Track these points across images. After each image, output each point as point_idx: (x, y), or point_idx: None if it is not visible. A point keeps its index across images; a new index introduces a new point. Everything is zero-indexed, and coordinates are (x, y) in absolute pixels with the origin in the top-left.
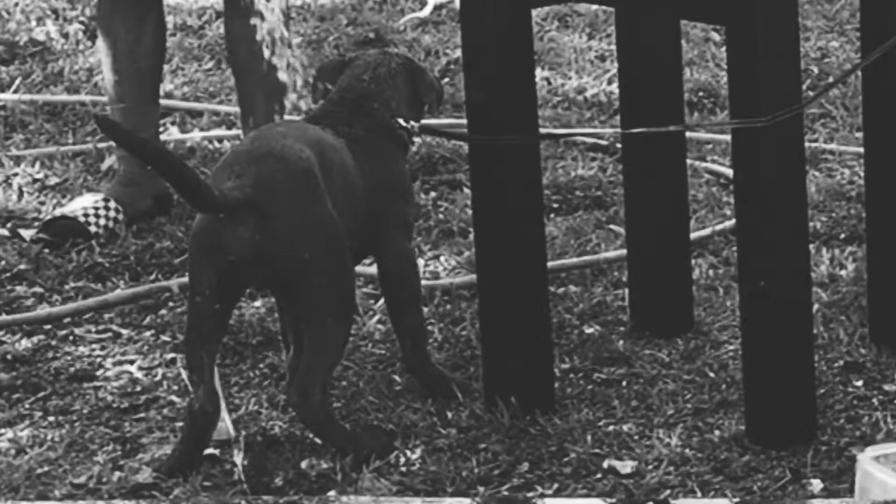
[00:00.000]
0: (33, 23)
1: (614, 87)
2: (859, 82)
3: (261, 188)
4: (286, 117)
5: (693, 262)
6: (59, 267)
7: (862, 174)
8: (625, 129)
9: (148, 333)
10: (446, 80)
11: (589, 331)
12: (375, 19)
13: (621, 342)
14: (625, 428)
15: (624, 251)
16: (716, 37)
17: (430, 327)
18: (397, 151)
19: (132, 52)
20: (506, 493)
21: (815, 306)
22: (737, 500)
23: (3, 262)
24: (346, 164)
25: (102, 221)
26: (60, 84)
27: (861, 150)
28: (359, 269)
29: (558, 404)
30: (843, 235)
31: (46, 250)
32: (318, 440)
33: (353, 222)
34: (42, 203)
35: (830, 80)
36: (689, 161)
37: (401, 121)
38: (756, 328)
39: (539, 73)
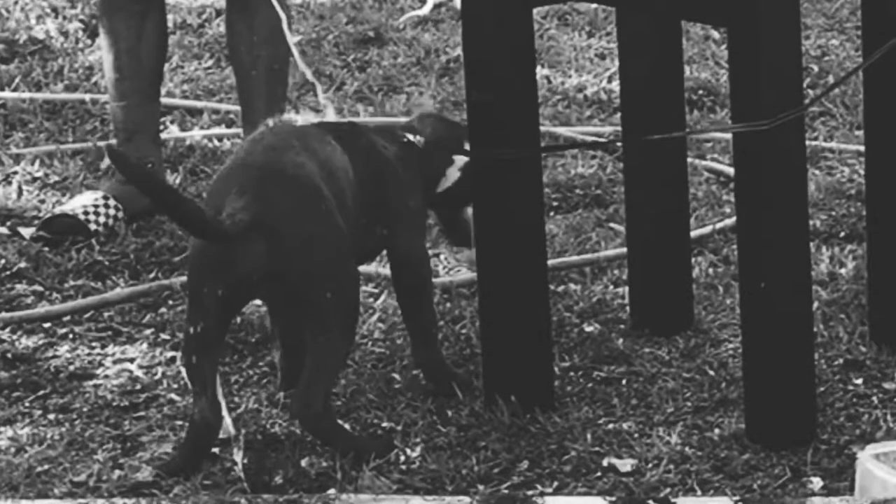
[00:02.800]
0: (33, 21)
1: (614, 86)
2: (860, 81)
3: (266, 206)
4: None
5: (693, 260)
6: (59, 265)
7: (862, 172)
8: (626, 130)
9: (148, 332)
10: (446, 78)
11: (589, 329)
12: (375, 18)
13: (621, 340)
14: (625, 426)
15: (624, 249)
16: (716, 35)
17: None
18: (406, 156)
19: (133, 49)
20: (506, 491)
21: (815, 304)
22: (737, 498)
23: (3, 261)
24: (346, 165)
25: (102, 219)
26: (60, 82)
27: (861, 148)
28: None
29: (558, 402)
30: (843, 234)
31: (46, 248)
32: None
33: (357, 221)
34: (42, 201)
35: (830, 78)
36: (688, 159)
37: (408, 136)
38: (756, 326)
39: (539, 72)
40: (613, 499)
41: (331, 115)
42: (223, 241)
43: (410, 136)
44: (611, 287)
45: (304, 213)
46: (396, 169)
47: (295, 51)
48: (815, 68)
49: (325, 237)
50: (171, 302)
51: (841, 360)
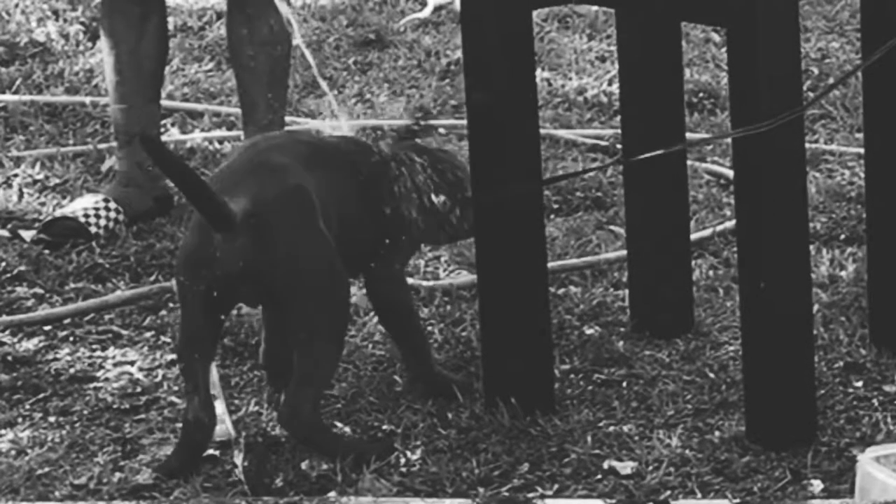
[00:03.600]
0: (34, 24)
1: (615, 88)
2: (859, 83)
3: (256, 205)
4: (286, 119)
5: (693, 262)
6: (60, 268)
7: (862, 175)
8: (626, 133)
9: (148, 334)
10: (447, 81)
11: (589, 331)
12: (375, 20)
13: (621, 343)
14: (625, 429)
15: (624, 252)
16: (716, 37)
17: (430, 328)
18: (413, 207)
19: (134, 52)
20: (506, 493)
21: (816, 307)
22: (737, 500)
23: (4, 263)
24: (340, 177)
25: (103, 222)
26: (61, 85)
27: (861, 150)
28: None
29: (558, 405)
30: (843, 236)
31: (47, 251)
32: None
33: (345, 235)
34: (42, 204)
35: (831, 80)
36: (689, 162)
37: (433, 196)
38: (756, 329)
39: (539, 74)
40: (614, 501)
41: (345, 121)
42: (228, 230)
43: (435, 197)
44: (611, 290)
45: (290, 215)
46: (400, 193)
47: (308, 54)
48: (816, 71)
49: (309, 239)
50: (171, 305)
51: (841, 363)
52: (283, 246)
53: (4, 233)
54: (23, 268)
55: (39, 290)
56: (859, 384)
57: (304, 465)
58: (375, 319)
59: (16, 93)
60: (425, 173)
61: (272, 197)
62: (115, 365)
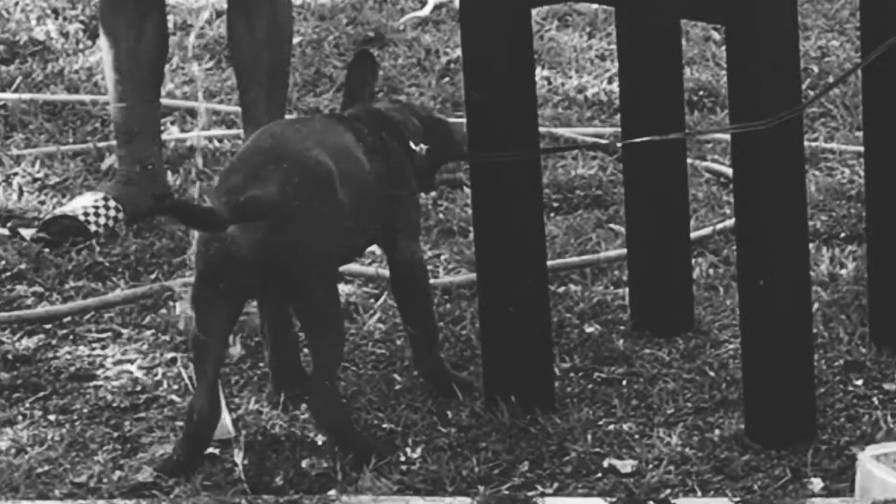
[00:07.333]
0: (33, 22)
1: (615, 86)
2: (859, 81)
3: (279, 192)
4: (287, 117)
5: (693, 261)
6: (59, 266)
7: (862, 173)
8: (626, 131)
9: (148, 333)
10: (446, 79)
11: (589, 330)
12: (375, 18)
13: (621, 341)
14: (625, 427)
15: (624, 250)
16: (716, 36)
17: None
18: (407, 161)
19: (134, 51)
20: (506, 492)
21: (815, 305)
22: (737, 499)
23: (4, 262)
24: (361, 163)
25: (102, 220)
26: (60, 83)
27: (861, 149)
28: (359, 269)
29: (558, 403)
30: (843, 234)
31: (46, 249)
32: (336, 445)
33: (366, 221)
34: (42, 202)
35: (830, 79)
36: (689, 160)
37: (411, 143)
38: (756, 327)
39: (539, 73)
40: (614, 500)
41: None
42: (221, 228)
43: (413, 145)
44: (611, 288)
45: (311, 202)
46: (405, 167)
47: None
48: (816, 69)
49: (322, 227)
50: (171, 303)
51: (841, 361)
52: (298, 234)
53: (4, 231)
54: (23, 266)
55: (39, 289)
56: (859, 382)
57: (304, 464)
58: (375, 318)
59: (16, 91)
60: (407, 125)
61: (293, 185)
62: (115, 363)
